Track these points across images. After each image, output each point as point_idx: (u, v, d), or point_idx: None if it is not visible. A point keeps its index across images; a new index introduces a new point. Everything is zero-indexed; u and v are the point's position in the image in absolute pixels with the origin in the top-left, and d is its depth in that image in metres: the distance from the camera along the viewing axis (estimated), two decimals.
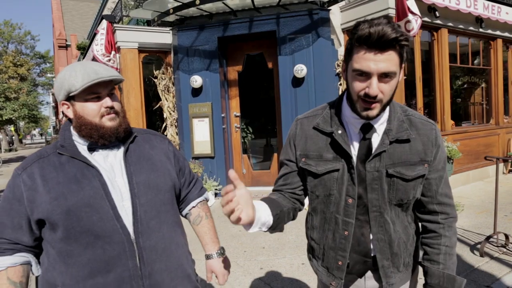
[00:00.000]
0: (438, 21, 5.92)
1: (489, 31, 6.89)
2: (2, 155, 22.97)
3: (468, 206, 5.09)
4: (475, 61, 7.24)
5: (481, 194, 5.78)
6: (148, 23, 7.21)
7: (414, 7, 4.96)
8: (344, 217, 1.20)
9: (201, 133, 6.29)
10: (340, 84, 5.95)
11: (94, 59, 7.20)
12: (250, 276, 3.34)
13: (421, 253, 1.30)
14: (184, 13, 6.17)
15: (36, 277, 1.22)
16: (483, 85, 7.48)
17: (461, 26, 6.37)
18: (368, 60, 1.01)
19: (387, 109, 1.16)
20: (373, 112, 1.08)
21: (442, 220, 1.22)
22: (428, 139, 1.17)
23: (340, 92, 5.96)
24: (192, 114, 6.31)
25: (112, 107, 1.20)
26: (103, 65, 1.22)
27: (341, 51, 6.06)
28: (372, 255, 1.23)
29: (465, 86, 7.48)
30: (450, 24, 6.18)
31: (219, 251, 1.49)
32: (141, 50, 6.53)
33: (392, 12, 5.24)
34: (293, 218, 1.31)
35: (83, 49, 13.41)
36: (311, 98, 5.80)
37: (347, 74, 1.12)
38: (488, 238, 3.52)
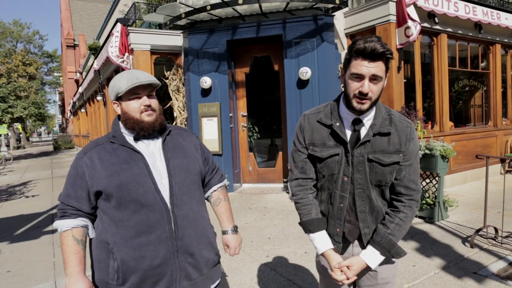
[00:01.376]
0: (438, 27, 6.18)
1: (488, 37, 7.14)
2: (12, 152, 23.42)
3: (463, 203, 5.35)
4: (474, 65, 7.48)
5: (477, 192, 6.03)
6: (160, 26, 7.53)
7: (413, 14, 5.24)
8: (341, 192, 1.51)
9: (210, 131, 6.60)
10: (343, 87, 6.22)
11: (107, 59, 7.53)
12: (257, 262, 3.63)
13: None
14: (195, 17, 6.48)
15: (90, 239, 1.51)
16: (483, 88, 7.72)
17: (460, 32, 6.62)
18: (362, 66, 1.35)
19: (374, 108, 1.47)
20: (364, 106, 1.40)
21: (405, 200, 1.50)
22: (404, 134, 1.47)
23: None
24: (201, 114, 6.62)
25: (149, 105, 1.48)
26: (145, 72, 1.55)
27: (344, 54, 6.34)
28: (360, 226, 1.53)
29: (466, 89, 7.73)
30: (449, 29, 6.43)
31: (233, 228, 1.79)
32: (153, 52, 6.85)
33: (393, 19, 5.52)
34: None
35: (95, 50, 13.76)
36: (315, 99, 6.08)
37: (345, 78, 1.44)
38: (478, 230, 3.79)
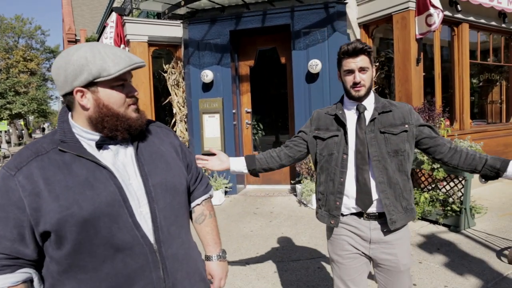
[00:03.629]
0: (459, 16, 5.68)
1: None
2: (12, 149, 23.10)
3: (489, 208, 4.86)
4: (498, 58, 6.97)
5: (501, 196, 5.55)
6: (158, 16, 7.07)
7: (436, 1, 4.74)
8: (341, 168, 1.73)
9: (212, 129, 6.14)
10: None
11: None
12: (264, 279, 3.18)
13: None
14: (195, 5, 6.01)
15: None
16: (504, 82, 7.21)
17: (482, 21, 6.12)
18: (350, 63, 1.67)
19: (373, 96, 1.77)
20: (361, 92, 1.69)
21: (451, 145, 1.73)
22: (405, 110, 1.75)
23: None
24: (202, 110, 6.16)
25: (136, 97, 1.10)
26: (120, 48, 1.07)
27: None
28: (375, 198, 1.68)
29: (482, 83, 7.23)
30: (471, 18, 5.93)
31: (219, 254, 1.40)
32: (151, 43, 6.39)
33: (412, 6, 5.02)
34: (284, 166, 1.95)
35: None
36: (325, 94, 5.61)
37: (341, 76, 1.76)
38: None
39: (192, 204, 1.38)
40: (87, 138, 1.06)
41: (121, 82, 1.06)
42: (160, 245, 1.07)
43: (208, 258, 1.40)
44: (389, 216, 1.66)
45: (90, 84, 1.01)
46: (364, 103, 1.73)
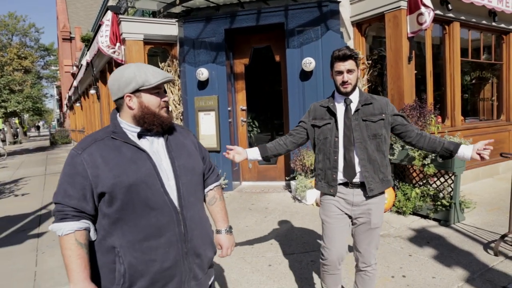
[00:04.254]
0: (450, 14, 5.78)
1: (502, 25, 6.73)
2: (7, 147, 22.99)
3: (478, 203, 4.98)
4: (487, 56, 7.08)
5: (491, 191, 5.68)
6: (154, 14, 7.11)
7: (427, 0, 4.83)
8: (334, 149, 2.19)
9: (207, 126, 6.21)
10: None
11: (99, 51, 7.12)
12: (258, 273, 3.27)
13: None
14: (190, 4, 6.06)
15: (92, 242, 1.40)
16: (494, 80, 7.33)
17: (473, 20, 6.22)
18: (340, 65, 2.11)
19: (358, 92, 2.21)
20: (348, 89, 2.14)
21: (418, 131, 2.21)
22: (383, 102, 2.21)
23: None
24: (198, 108, 6.23)
25: (167, 101, 1.51)
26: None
27: (350, 44, 5.93)
28: (358, 171, 2.15)
29: (474, 81, 7.34)
30: (462, 17, 6.03)
31: (227, 229, 1.78)
32: (146, 42, 6.44)
33: (403, 5, 5.11)
34: (290, 150, 2.43)
35: (88, 41, 13.32)
36: (319, 91, 5.69)
37: (333, 75, 2.17)
38: (503, 237, 3.43)
39: (206, 190, 1.74)
40: (131, 130, 1.45)
41: (157, 90, 1.46)
42: (182, 208, 1.45)
43: (218, 231, 1.76)
44: (368, 185, 2.14)
45: (136, 91, 1.42)
46: (351, 97, 2.18)
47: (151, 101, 1.44)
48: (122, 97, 1.43)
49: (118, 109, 1.50)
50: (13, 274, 3.57)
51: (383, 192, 2.23)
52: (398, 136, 2.26)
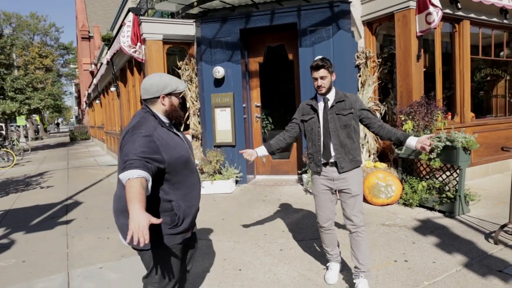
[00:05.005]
0: (460, 13, 5.90)
1: None
2: (30, 143, 23.87)
3: (485, 197, 5.14)
4: (501, 53, 7.15)
5: (499, 186, 5.80)
6: (172, 15, 7.43)
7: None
8: (317, 136, 2.80)
9: (223, 122, 6.50)
10: (360, 76, 6.03)
11: (119, 50, 7.48)
12: (270, 256, 3.54)
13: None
14: (207, 5, 6.35)
15: (147, 197, 1.76)
16: (506, 77, 7.40)
17: (484, 18, 6.32)
18: (315, 74, 2.69)
19: (334, 91, 2.78)
20: (322, 91, 2.71)
21: (380, 123, 2.79)
22: (353, 99, 2.78)
23: (359, 83, 6.05)
24: (214, 104, 6.52)
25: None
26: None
27: (361, 43, 6.13)
28: (333, 154, 2.75)
29: (488, 78, 7.42)
30: (472, 15, 6.14)
31: None
32: (165, 41, 6.76)
33: (412, 5, 5.28)
34: (291, 143, 3.23)
35: (108, 41, 13.76)
36: None
37: (313, 80, 2.74)
38: (503, 226, 3.61)
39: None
40: (165, 121, 2.04)
41: (182, 95, 2.03)
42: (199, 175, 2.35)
43: None
44: (339, 164, 2.76)
45: (169, 94, 2.02)
46: (328, 96, 2.78)
47: (176, 102, 2.07)
48: (158, 97, 1.99)
49: (147, 106, 2.02)
50: (49, 255, 3.94)
51: (357, 167, 2.82)
52: (366, 126, 2.82)
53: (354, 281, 2.82)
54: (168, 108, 2.03)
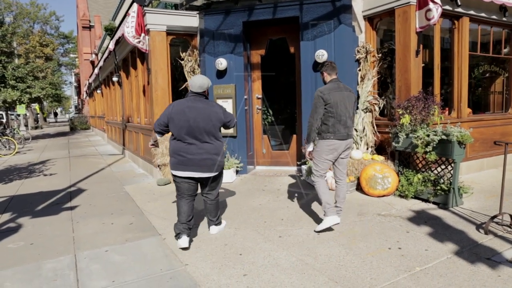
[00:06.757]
0: (460, 10, 5.99)
1: None
2: (30, 131, 23.96)
3: (478, 190, 5.29)
4: (498, 50, 7.25)
5: (493, 180, 5.94)
6: (176, 7, 7.49)
7: None
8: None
9: None
10: (360, 70, 6.14)
11: (122, 40, 7.56)
12: (270, 242, 3.69)
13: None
14: None
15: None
16: (504, 74, 7.51)
17: (483, 15, 6.41)
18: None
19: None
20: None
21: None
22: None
23: (359, 77, 6.15)
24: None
25: None
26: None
27: (361, 37, 6.23)
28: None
29: (486, 75, 7.53)
30: (472, 12, 6.23)
31: None
32: (169, 32, 6.84)
33: (413, 1, 5.37)
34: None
35: (110, 31, 13.78)
36: None
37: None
38: (493, 217, 3.76)
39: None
40: None
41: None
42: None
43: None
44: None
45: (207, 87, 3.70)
46: None
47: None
48: (206, 90, 3.61)
49: (204, 95, 3.61)
50: (55, 238, 4.08)
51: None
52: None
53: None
54: (207, 96, 3.66)
